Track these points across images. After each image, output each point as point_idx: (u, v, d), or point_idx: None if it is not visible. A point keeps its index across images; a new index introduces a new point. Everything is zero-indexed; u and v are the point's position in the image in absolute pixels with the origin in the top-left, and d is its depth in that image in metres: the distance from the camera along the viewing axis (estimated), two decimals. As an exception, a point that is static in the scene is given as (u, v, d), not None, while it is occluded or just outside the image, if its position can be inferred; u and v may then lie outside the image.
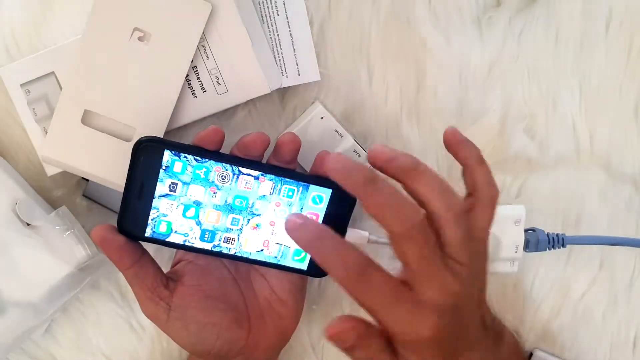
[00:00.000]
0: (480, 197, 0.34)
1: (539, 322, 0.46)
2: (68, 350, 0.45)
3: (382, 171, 0.32)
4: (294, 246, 0.39)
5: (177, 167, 0.36)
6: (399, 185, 0.32)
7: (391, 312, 0.31)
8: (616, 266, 0.46)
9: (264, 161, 0.39)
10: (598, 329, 0.46)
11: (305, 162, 0.43)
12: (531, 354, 0.46)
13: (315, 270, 0.40)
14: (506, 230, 0.40)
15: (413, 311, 0.31)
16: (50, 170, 0.40)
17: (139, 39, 0.38)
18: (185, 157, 0.36)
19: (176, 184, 0.37)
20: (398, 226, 0.30)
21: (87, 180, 0.42)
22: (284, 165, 0.39)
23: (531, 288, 0.46)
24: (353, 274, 0.30)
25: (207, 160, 0.37)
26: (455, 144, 0.35)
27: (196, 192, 0.37)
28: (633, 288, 0.46)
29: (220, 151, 0.37)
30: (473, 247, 0.33)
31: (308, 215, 0.37)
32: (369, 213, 0.31)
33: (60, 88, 0.39)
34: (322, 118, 0.43)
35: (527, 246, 0.41)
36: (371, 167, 0.32)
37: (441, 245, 0.32)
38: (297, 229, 0.31)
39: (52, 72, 0.39)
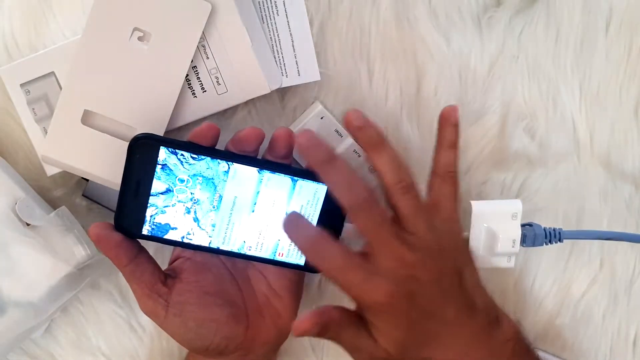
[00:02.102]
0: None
1: (539, 322, 0.46)
2: (68, 350, 0.45)
3: (352, 136, 0.37)
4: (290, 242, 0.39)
5: (173, 163, 0.36)
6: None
7: (347, 279, 0.34)
8: (616, 266, 0.46)
9: (259, 157, 0.39)
10: (598, 329, 0.46)
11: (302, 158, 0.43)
12: (531, 354, 0.46)
13: (312, 265, 0.40)
14: (503, 224, 0.40)
15: (367, 277, 0.34)
16: (50, 170, 0.40)
17: (139, 39, 0.38)
18: (181, 154, 0.36)
19: (172, 181, 0.37)
20: (348, 199, 0.34)
21: (87, 180, 0.42)
22: (279, 161, 0.39)
23: (531, 288, 0.46)
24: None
25: (203, 156, 0.37)
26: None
27: (193, 188, 0.37)
28: (633, 288, 0.46)
29: (216, 147, 0.37)
30: (432, 221, 0.35)
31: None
32: (328, 188, 0.35)
33: (60, 88, 0.39)
34: (322, 118, 0.43)
35: (524, 241, 0.40)
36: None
37: (397, 219, 0.35)
38: (293, 230, 0.34)
39: (52, 72, 0.39)
